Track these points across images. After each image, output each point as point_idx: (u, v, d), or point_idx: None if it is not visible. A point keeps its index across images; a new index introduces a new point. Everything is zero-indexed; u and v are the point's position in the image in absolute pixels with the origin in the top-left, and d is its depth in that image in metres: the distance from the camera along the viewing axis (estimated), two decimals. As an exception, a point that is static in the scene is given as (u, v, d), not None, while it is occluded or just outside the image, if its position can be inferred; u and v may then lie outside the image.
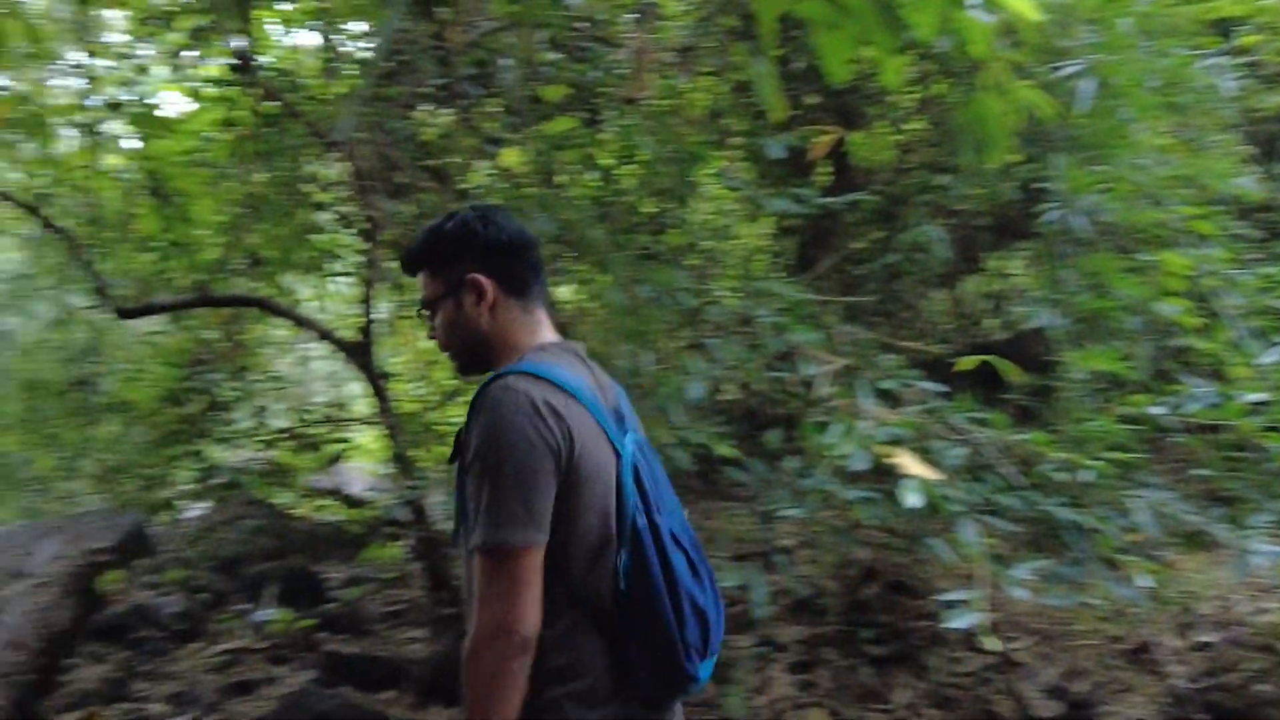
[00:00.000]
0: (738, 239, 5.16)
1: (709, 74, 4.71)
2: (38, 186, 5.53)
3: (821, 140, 3.47)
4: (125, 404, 6.23)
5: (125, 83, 5.61)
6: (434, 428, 4.64)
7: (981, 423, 2.90)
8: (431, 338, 1.81)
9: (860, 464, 2.58)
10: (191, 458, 5.56)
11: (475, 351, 1.75)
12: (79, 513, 5.68)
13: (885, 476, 2.62)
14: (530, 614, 1.51)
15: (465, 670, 1.53)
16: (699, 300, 3.47)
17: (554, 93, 4.16)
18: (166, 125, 5.36)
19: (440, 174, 4.64)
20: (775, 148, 3.38)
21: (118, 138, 5.71)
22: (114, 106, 5.43)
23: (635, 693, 1.61)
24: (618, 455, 1.63)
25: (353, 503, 5.57)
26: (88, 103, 5.34)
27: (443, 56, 4.44)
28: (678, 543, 1.64)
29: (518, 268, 1.75)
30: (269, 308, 4.54)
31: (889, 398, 3.03)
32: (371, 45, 4.62)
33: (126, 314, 4.34)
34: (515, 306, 1.74)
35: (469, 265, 1.72)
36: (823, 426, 2.77)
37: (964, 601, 2.39)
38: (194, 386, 5.79)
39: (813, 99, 4.59)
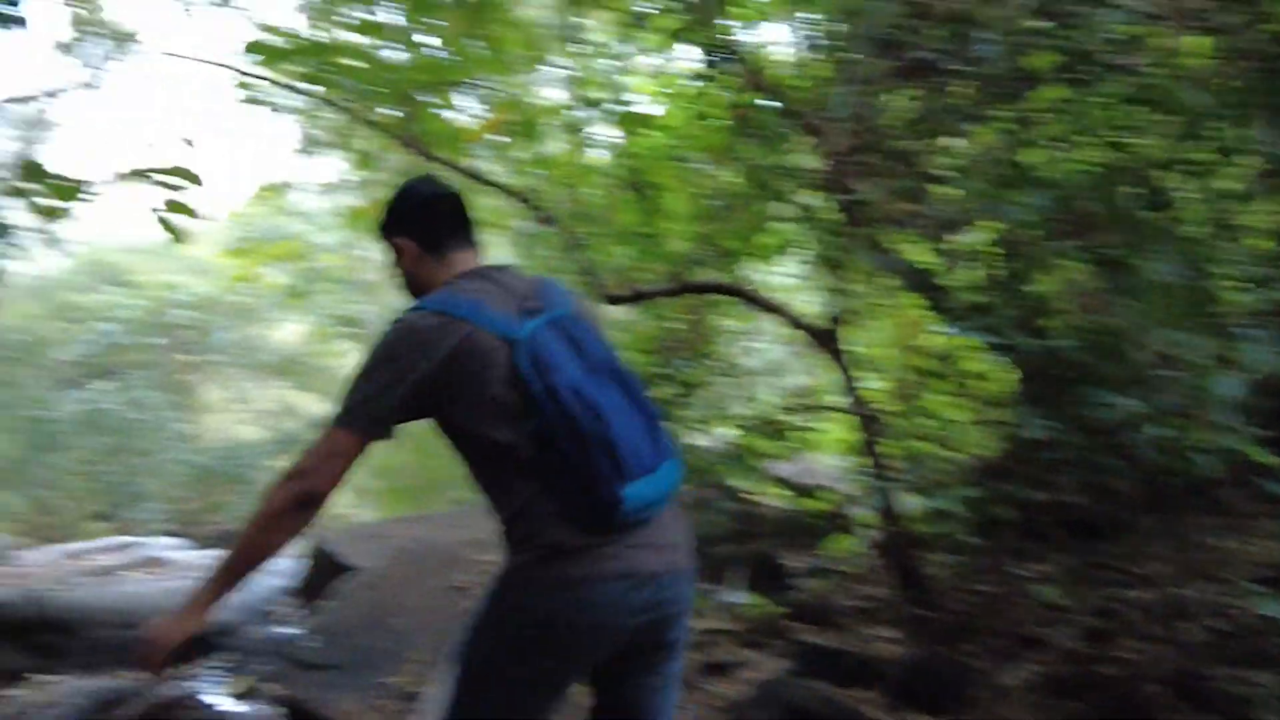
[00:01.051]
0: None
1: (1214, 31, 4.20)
2: (528, 184, 6.06)
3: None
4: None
5: (606, 83, 6.00)
6: (904, 418, 4.52)
7: None
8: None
9: None
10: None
11: (412, 298, 2.23)
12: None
13: None
14: (325, 478, 1.97)
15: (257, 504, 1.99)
16: (1225, 283, 3.09)
17: (1042, 61, 3.89)
18: (645, 122, 5.66)
19: (908, 154, 4.51)
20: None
21: (600, 136, 6.13)
22: (596, 106, 5.84)
23: (580, 530, 1.95)
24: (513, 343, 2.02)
25: (815, 492, 5.57)
26: (572, 103, 5.79)
27: (913, 28, 4.30)
28: (580, 394, 1.96)
29: (431, 226, 2.25)
30: (744, 295, 4.66)
31: None
32: (847, 25, 4.59)
33: (615, 300, 4.62)
34: (430, 259, 2.24)
35: (395, 232, 2.28)
36: None
37: None
38: (664, 372, 6.08)
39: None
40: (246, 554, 2.00)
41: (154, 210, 4.12)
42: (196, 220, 4.25)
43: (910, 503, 4.34)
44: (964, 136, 4.38)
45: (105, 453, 15.42)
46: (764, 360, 7.44)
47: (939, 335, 4.35)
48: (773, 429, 5.35)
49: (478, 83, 5.49)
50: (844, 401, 4.56)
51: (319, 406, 24.48)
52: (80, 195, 4.11)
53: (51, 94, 16.40)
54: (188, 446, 17.91)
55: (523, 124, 5.95)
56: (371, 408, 2.00)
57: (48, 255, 28.43)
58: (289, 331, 27.26)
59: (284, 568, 5.95)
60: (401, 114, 4.96)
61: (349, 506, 12.23)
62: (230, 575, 2.01)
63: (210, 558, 6.49)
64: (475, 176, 5.10)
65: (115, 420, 15.20)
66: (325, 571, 5.28)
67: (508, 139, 6.08)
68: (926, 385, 4.49)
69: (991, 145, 4.01)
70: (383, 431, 2.02)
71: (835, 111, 3.69)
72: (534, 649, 1.98)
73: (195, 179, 4.08)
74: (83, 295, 26.04)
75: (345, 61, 5.23)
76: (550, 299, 2.17)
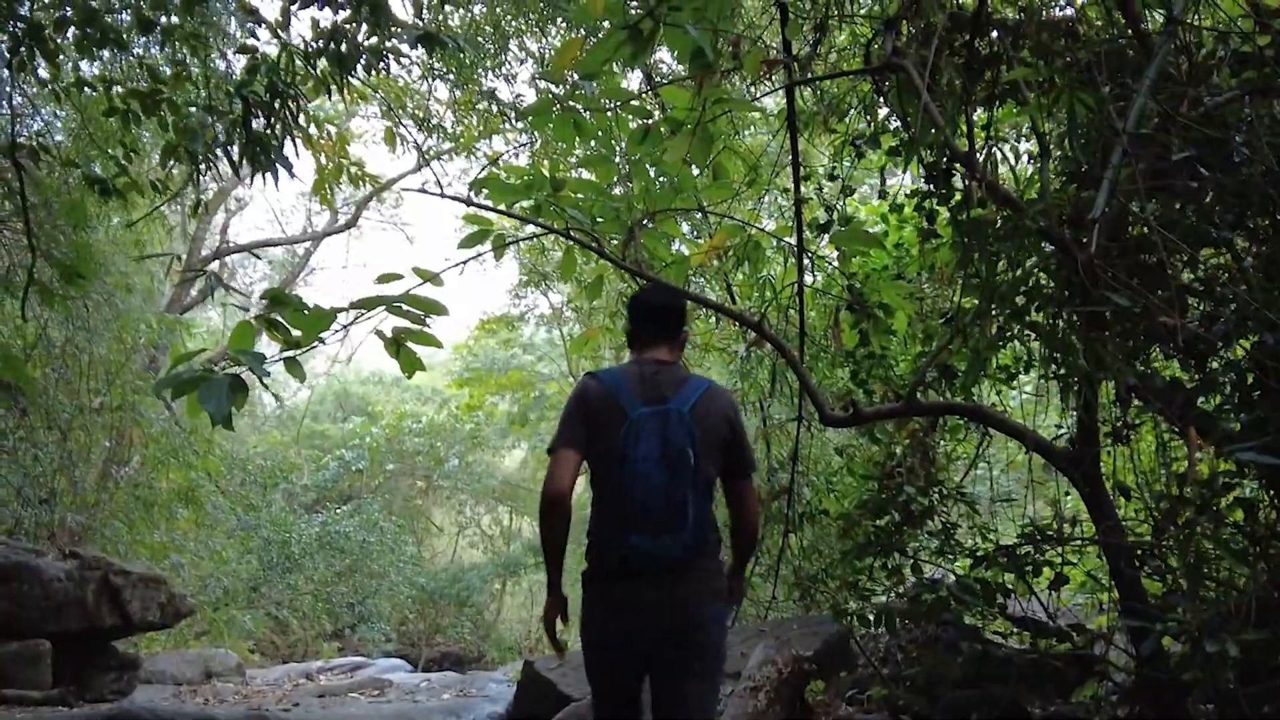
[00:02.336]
0: None
1: None
2: (749, 307, 6.05)
3: None
4: (823, 513, 6.51)
5: (828, 205, 5.98)
6: (1162, 550, 4.13)
7: None
8: None
9: None
10: (888, 571, 5.60)
11: None
12: (784, 619, 5.96)
13: None
14: (553, 481, 2.99)
15: None
16: None
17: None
18: (866, 241, 5.58)
19: (1162, 264, 4.24)
20: None
21: (822, 257, 6.09)
22: (820, 227, 5.81)
23: (601, 563, 3.01)
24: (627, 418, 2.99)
25: (1060, 632, 5.15)
26: (793, 226, 5.77)
27: (1167, 130, 4.07)
28: (640, 466, 2.91)
29: (633, 330, 3.35)
30: (979, 416, 4.42)
31: None
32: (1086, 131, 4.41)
33: (831, 421, 4.48)
34: (632, 349, 3.34)
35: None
36: None
37: None
38: (889, 499, 5.85)
39: None
40: (545, 547, 3.02)
41: (387, 339, 4.26)
42: (435, 348, 4.38)
43: (1171, 645, 3.94)
44: (1225, 246, 4.09)
45: (338, 574, 16.12)
46: (1000, 487, 7.07)
47: (1201, 459, 3.98)
48: (1013, 562, 5.02)
49: (700, 209, 5.56)
50: (1092, 532, 4.22)
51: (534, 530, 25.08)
52: (322, 326, 4.32)
53: (309, 237, 17.86)
54: (416, 569, 18.54)
55: (744, 248, 5.99)
56: (562, 433, 3.06)
57: (294, 386, 30.68)
58: (514, 458, 28.19)
59: (501, 693, 5.99)
60: (625, 241, 5.05)
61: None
62: (548, 562, 3.06)
63: (429, 680, 6.65)
64: (696, 299, 5.11)
65: (349, 543, 15.90)
66: (544, 700, 5.24)
67: (729, 263, 6.12)
68: (1187, 514, 4.11)
69: (1255, 255, 3.72)
70: (573, 445, 3.03)
71: (1087, 215, 3.48)
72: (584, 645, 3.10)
73: (439, 309, 4.21)
74: (326, 424, 27.85)
75: (571, 194, 5.42)
76: (679, 394, 3.08)
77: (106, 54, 5.58)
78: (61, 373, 8.79)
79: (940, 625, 5.80)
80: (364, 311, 4.37)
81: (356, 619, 17.35)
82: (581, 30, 5.96)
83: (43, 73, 5.31)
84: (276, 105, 4.81)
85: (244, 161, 5.16)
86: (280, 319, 4.23)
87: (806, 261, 6.07)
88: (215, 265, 15.27)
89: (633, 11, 3.96)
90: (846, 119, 5.90)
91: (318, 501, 20.82)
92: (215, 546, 12.19)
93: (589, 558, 3.01)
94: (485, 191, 5.69)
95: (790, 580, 6.52)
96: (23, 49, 5.01)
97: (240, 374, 3.64)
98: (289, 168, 5.14)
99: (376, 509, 19.25)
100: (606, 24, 4.11)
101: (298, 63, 5.13)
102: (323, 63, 5.71)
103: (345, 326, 4.46)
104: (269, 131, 4.87)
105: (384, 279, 4.46)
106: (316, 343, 4.46)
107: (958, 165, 4.95)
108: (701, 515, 2.91)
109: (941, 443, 6.68)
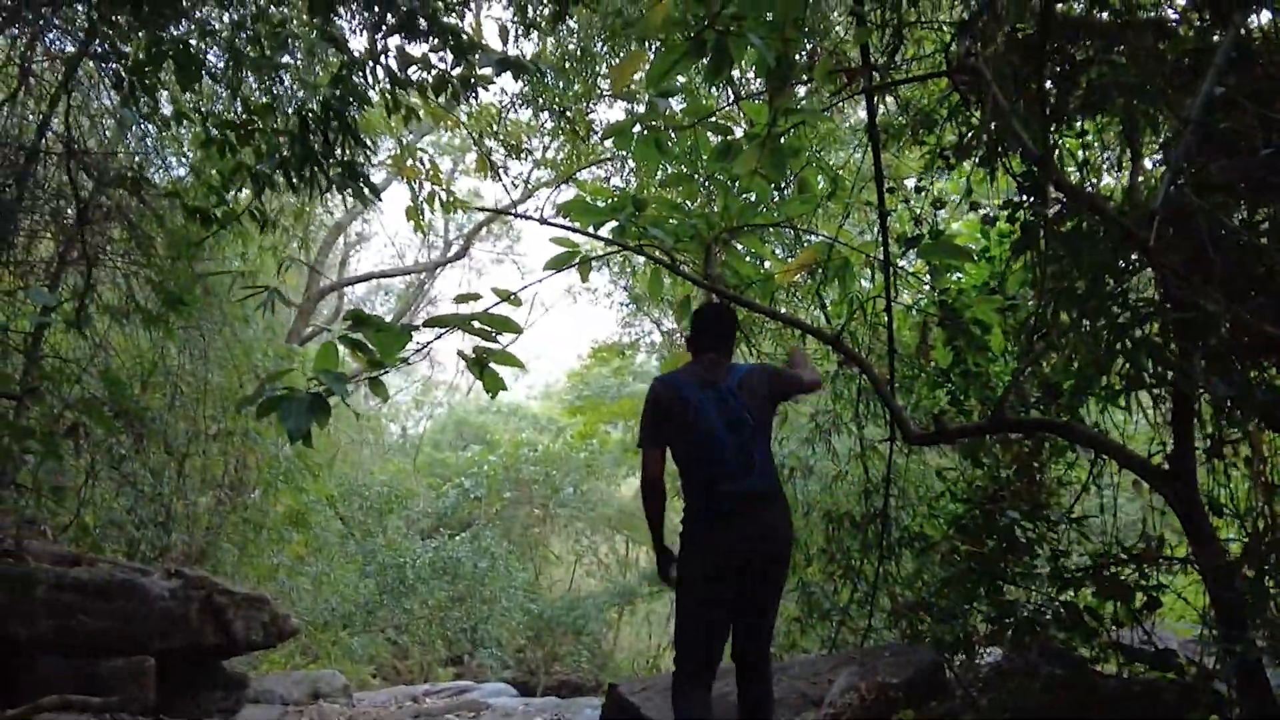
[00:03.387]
0: None
1: None
2: (838, 324, 5.94)
3: None
4: (921, 538, 6.32)
5: (919, 218, 5.85)
6: (1267, 574, 3.88)
7: None
8: None
9: None
10: (988, 598, 5.41)
11: None
12: (876, 646, 5.80)
13: None
14: (646, 471, 3.87)
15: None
16: None
17: None
18: (959, 255, 5.43)
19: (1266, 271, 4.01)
20: None
21: (912, 273, 5.95)
22: (908, 242, 5.68)
23: (702, 511, 3.79)
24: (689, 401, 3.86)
25: (1165, 660, 4.89)
26: (881, 242, 5.65)
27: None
28: (713, 431, 3.79)
29: (693, 339, 4.20)
30: (1068, 433, 4.24)
31: None
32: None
33: (917, 440, 4.36)
34: (692, 353, 4.20)
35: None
36: None
37: None
38: (989, 524, 5.66)
39: None
40: (650, 519, 3.87)
41: (469, 359, 4.29)
42: (515, 368, 4.40)
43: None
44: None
45: (452, 600, 16.34)
46: (1125, 515, 6.78)
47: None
48: (1113, 588, 4.79)
49: (787, 225, 5.50)
50: (1190, 554, 4.00)
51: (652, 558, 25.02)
52: (400, 344, 4.38)
53: (421, 268, 18.30)
54: (528, 596, 18.70)
55: (831, 265, 5.90)
56: (645, 434, 3.93)
57: (418, 416, 31.39)
58: (630, 486, 28.24)
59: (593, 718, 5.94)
60: (704, 259, 5.03)
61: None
62: (652, 529, 3.90)
63: (527, 705, 6.67)
64: (771, 314, 5.05)
65: (462, 568, 16.13)
66: (622, 716, 5.19)
67: (820, 281, 6.04)
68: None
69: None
70: (655, 444, 3.90)
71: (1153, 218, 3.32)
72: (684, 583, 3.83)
73: (515, 328, 4.24)
74: (446, 453, 28.39)
75: (654, 212, 5.42)
76: (728, 378, 3.99)
77: (202, 87, 5.80)
78: (180, 400, 9.15)
79: (1047, 653, 5.58)
80: (442, 330, 4.44)
81: (473, 644, 17.55)
82: (648, 45, 5.99)
83: (144, 105, 5.56)
84: (335, 124, 4.93)
85: (314, 182, 5.30)
86: (363, 339, 4.33)
87: (898, 277, 5.95)
88: (335, 297, 15.76)
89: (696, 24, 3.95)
90: (936, 130, 5.77)
91: (437, 528, 21.19)
92: (326, 570, 12.49)
93: (686, 514, 3.84)
94: (570, 214, 5.76)
95: (885, 608, 6.35)
96: (126, 84, 5.27)
97: (320, 393, 3.76)
98: (375, 191, 5.28)
99: (491, 536, 19.47)
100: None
101: (370, 85, 5.26)
102: (410, 92, 5.86)
103: (424, 346, 4.55)
104: (343, 152, 5.00)
105: (461, 299, 4.51)
106: (400, 362, 4.55)
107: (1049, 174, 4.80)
108: (766, 459, 3.88)
109: (1052, 465, 6.45)
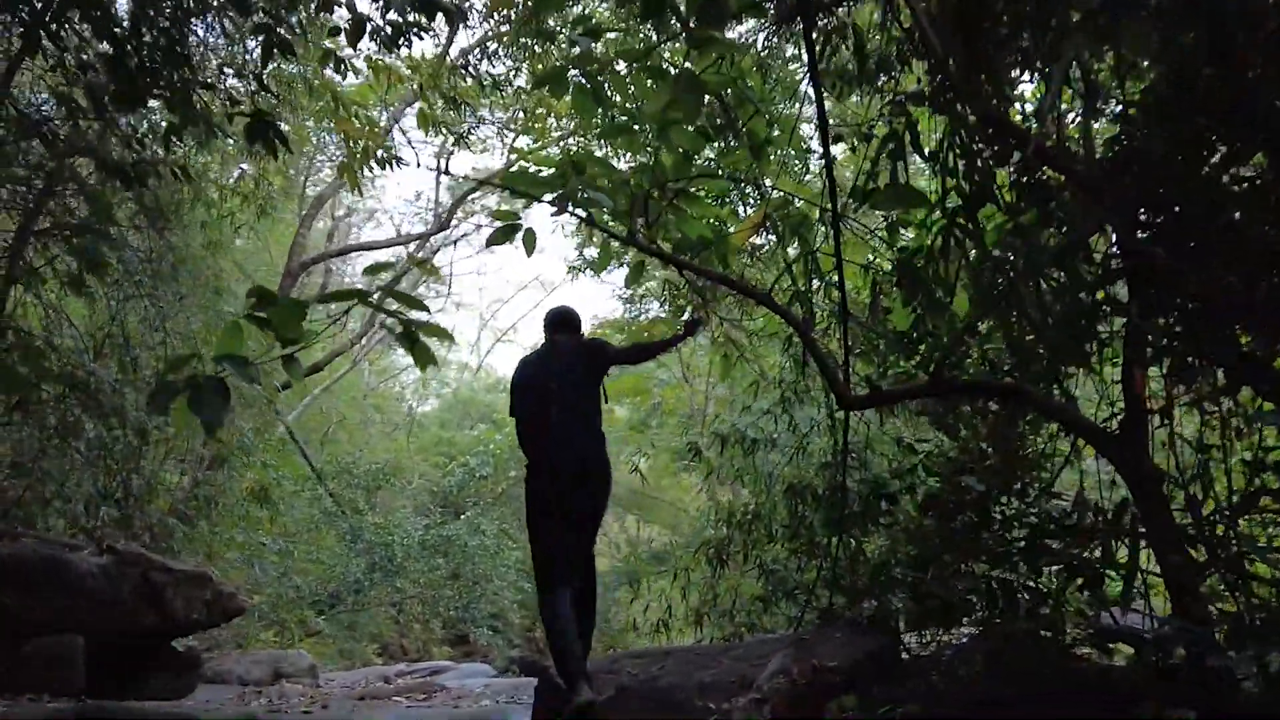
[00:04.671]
0: None
1: None
2: (795, 286, 5.58)
3: None
4: (887, 512, 5.97)
5: (869, 168, 5.47)
6: (1230, 543, 3.52)
7: None
8: None
9: None
10: (956, 575, 5.08)
11: None
12: (828, 627, 5.44)
13: None
14: (519, 431, 5.24)
15: None
16: None
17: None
18: (917, 201, 5.04)
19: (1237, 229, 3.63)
20: None
21: (868, 228, 5.58)
22: (863, 194, 5.29)
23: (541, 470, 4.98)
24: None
25: (1130, 639, 4.53)
26: (829, 191, 5.27)
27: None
28: (542, 404, 4.99)
29: (545, 328, 5.41)
30: (1015, 395, 3.89)
31: None
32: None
33: (852, 405, 4.01)
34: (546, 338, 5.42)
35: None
36: None
37: None
38: (959, 498, 5.34)
39: None
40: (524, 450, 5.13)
41: (392, 330, 4.06)
42: (446, 340, 4.13)
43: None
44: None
45: (449, 578, 16.09)
46: (1083, 483, 6.41)
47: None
48: (1077, 563, 4.44)
49: (727, 179, 5.13)
50: (1137, 524, 3.64)
51: (662, 539, 24.71)
52: (298, 318, 4.09)
53: (404, 240, 17.92)
54: (521, 574, 18.46)
55: (788, 220, 5.54)
56: (512, 403, 5.15)
57: (425, 394, 31.19)
58: (638, 466, 27.90)
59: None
60: (631, 216, 4.66)
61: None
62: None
63: (490, 686, 6.36)
64: (709, 275, 4.70)
65: (452, 547, 15.88)
66: (554, 701, 4.89)
67: (775, 240, 5.69)
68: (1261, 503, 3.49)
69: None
70: (517, 412, 5.14)
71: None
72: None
73: (422, 307, 3.95)
74: (453, 432, 28.19)
75: (591, 173, 5.07)
76: (564, 358, 5.13)
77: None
78: (143, 372, 8.87)
79: (1014, 634, 5.24)
80: (349, 305, 4.14)
81: (472, 623, 17.30)
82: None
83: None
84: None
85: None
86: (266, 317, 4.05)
87: (856, 236, 5.59)
88: (321, 270, 15.51)
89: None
90: (894, 75, 5.38)
91: (445, 507, 20.94)
92: (307, 548, 12.25)
93: (529, 469, 5.05)
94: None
95: (848, 583, 6.00)
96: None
97: (221, 379, 3.49)
98: (284, 140, 4.99)
99: (497, 515, 19.20)
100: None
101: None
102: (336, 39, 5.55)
103: (335, 320, 4.25)
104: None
105: (371, 270, 4.17)
106: (310, 337, 4.27)
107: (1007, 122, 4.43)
108: (587, 420, 5.03)
109: (1033, 438, 6.08)
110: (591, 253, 15.21)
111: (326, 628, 14.97)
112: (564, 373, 4.99)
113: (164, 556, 7.77)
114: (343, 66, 5.65)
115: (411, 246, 16.97)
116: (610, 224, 4.99)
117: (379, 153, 7.22)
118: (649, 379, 22.49)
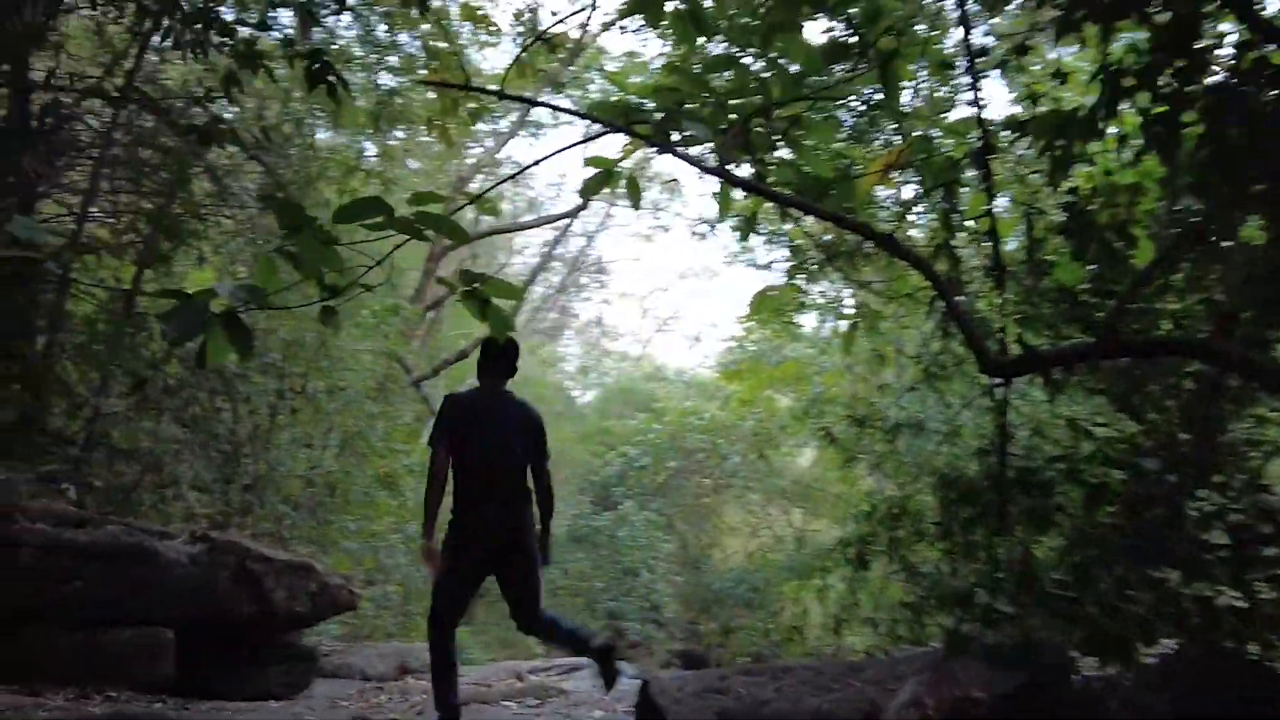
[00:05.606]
0: None
1: None
2: (940, 240, 4.71)
3: None
4: (1058, 510, 5.03)
5: (1034, 96, 4.55)
6: None
7: None
8: None
9: None
10: (1149, 586, 4.21)
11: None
12: (981, 645, 4.56)
13: None
14: (430, 471, 4.86)
15: None
16: None
17: None
18: (1086, 133, 4.12)
19: None
20: None
21: (1023, 174, 4.68)
22: (1018, 124, 4.39)
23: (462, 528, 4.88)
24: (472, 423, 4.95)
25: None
26: (978, 122, 4.37)
27: None
28: (474, 461, 4.88)
29: (481, 365, 5.09)
30: (1200, 353, 2.97)
31: None
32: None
33: (999, 371, 3.17)
34: (479, 378, 5.13)
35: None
36: None
37: None
38: (1144, 491, 4.46)
39: None
40: (426, 506, 4.85)
41: (453, 286, 3.58)
42: (513, 300, 3.61)
43: None
44: None
45: (595, 570, 15.63)
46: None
47: None
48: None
49: (847, 102, 4.33)
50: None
51: (830, 533, 23.67)
52: (329, 258, 3.63)
53: (541, 221, 17.44)
54: (696, 568, 17.89)
55: (931, 165, 4.67)
56: (434, 436, 4.88)
57: (585, 384, 31.08)
58: (809, 456, 26.86)
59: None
60: (720, 145, 3.91)
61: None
62: (426, 515, 4.85)
63: (624, 690, 5.75)
64: (816, 212, 3.90)
65: (600, 538, 15.39)
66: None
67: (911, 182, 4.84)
68: None
69: None
70: (440, 448, 4.84)
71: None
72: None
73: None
74: (612, 421, 27.79)
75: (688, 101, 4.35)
76: (509, 409, 5.08)
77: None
78: (268, 357, 8.64)
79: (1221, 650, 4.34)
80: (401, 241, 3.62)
81: (626, 617, 16.81)
82: None
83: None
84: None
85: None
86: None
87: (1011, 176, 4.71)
88: (467, 254, 15.22)
89: None
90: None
91: (606, 498, 20.54)
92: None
93: (456, 501, 5.00)
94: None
95: (994, 595, 5.09)
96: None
97: (237, 311, 3.06)
98: (345, 85, 4.50)
99: (659, 506, 18.68)
100: None
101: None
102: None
103: (377, 262, 3.72)
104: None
105: (417, 199, 3.60)
106: (360, 287, 3.84)
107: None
108: (517, 482, 4.97)
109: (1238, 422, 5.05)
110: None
111: (487, 616, 14.63)
112: (507, 441, 4.95)
113: (283, 545, 7.47)
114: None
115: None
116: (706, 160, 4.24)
117: (468, 107, 6.69)
118: (811, 365, 21.51)
